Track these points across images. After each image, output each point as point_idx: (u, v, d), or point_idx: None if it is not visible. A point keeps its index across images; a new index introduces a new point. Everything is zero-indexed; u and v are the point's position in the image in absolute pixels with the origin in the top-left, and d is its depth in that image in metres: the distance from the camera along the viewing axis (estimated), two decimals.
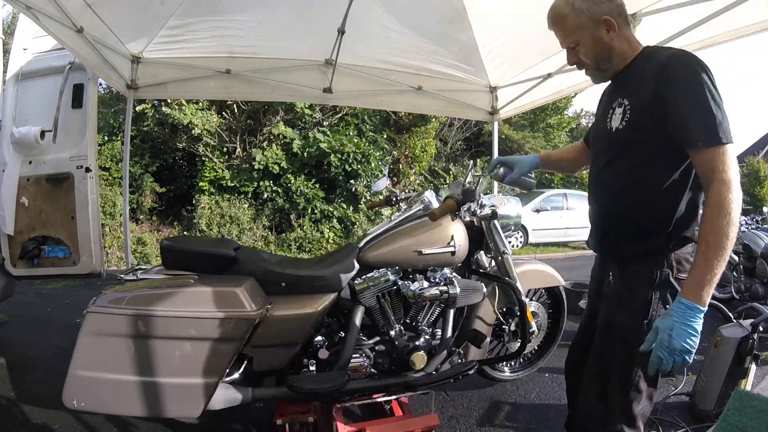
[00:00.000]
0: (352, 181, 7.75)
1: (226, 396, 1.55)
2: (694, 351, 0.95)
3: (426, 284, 1.78)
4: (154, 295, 1.46)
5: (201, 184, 7.59)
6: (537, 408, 2.28)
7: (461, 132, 11.72)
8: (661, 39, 2.08)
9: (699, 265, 0.96)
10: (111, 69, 2.71)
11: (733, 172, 0.96)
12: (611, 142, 1.17)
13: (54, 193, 2.68)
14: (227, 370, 1.51)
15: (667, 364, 0.98)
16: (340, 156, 7.56)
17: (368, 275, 1.79)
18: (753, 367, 2.08)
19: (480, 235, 2.04)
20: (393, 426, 1.73)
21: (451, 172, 10.33)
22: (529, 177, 1.64)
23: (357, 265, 1.79)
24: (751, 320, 2.14)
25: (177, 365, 1.43)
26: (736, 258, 4.35)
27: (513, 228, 2.19)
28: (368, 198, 7.68)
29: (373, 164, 7.91)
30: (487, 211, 1.94)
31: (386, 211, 6.73)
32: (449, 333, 1.88)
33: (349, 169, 7.61)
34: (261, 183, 7.67)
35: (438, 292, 1.76)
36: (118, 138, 7.35)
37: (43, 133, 2.59)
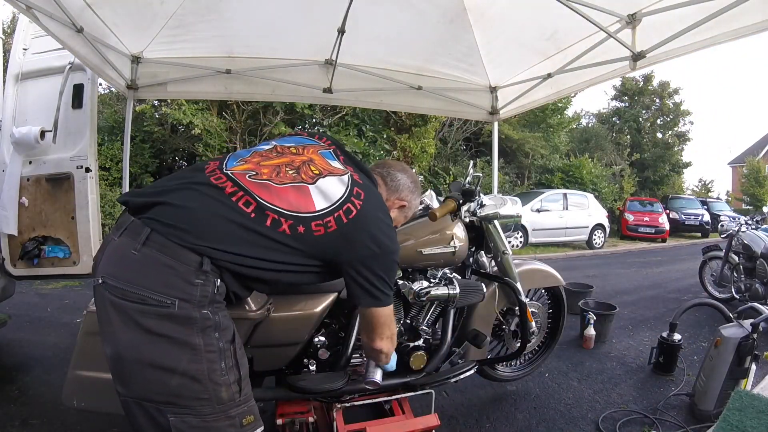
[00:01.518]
0: None
1: None
2: None
3: (426, 284, 1.78)
4: None
5: None
6: (537, 408, 2.28)
7: (461, 132, 11.72)
8: (661, 39, 2.08)
9: None
10: (111, 69, 2.71)
11: None
12: None
13: (54, 193, 2.67)
14: None
15: None
16: None
17: None
18: (753, 367, 2.08)
19: (480, 235, 2.04)
20: (393, 426, 1.73)
21: (451, 172, 10.33)
22: None
23: None
24: (751, 320, 2.14)
25: None
26: (736, 258, 4.36)
27: (513, 228, 2.19)
28: None
29: (372, 164, 7.90)
30: (487, 210, 1.94)
31: None
32: (449, 333, 1.88)
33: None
34: None
35: (438, 292, 1.76)
36: (118, 138, 7.35)
37: (43, 133, 2.59)
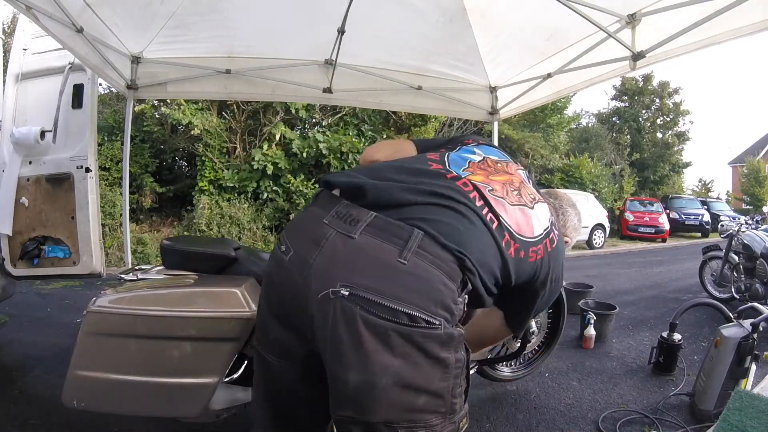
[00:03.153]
0: None
1: (226, 396, 1.55)
2: None
3: None
4: (154, 295, 1.46)
5: (201, 184, 7.58)
6: (537, 408, 2.28)
7: (461, 132, 11.72)
8: (661, 39, 2.08)
9: None
10: (111, 69, 2.71)
11: None
12: None
13: (54, 193, 2.68)
14: (227, 370, 1.51)
15: None
16: (339, 156, 7.56)
17: None
18: (753, 367, 2.07)
19: None
20: None
21: None
22: None
23: None
24: (751, 320, 2.14)
25: (177, 365, 1.43)
26: (736, 258, 4.36)
27: None
28: None
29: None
30: None
31: None
32: None
33: (349, 169, 7.61)
34: (261, 183, 7.67)
35: None
36: (118, 138, 7.35)
37: (43, 133, 2.59)
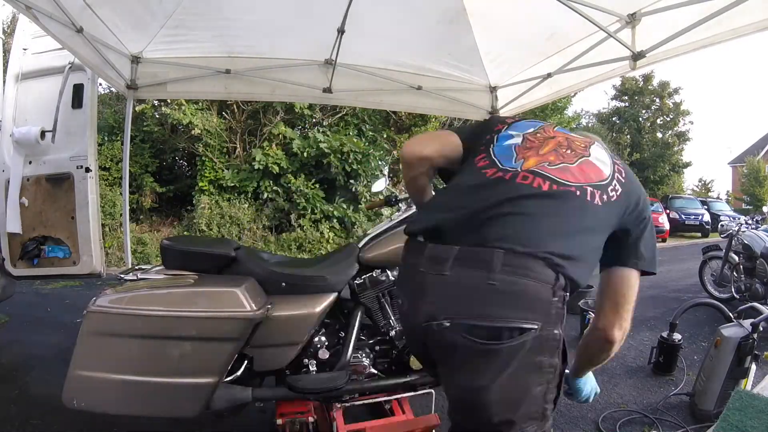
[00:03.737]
0: (352, 181, 7.74)
1: (226, 396, 1.55)
2: None
3: None
4: (154, 295, 1.46)
5: (201, 184, 7.58)
6: None
7: None
8: (661, 39, 2.08)
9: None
10: (111, 69, 2.71)
11: None
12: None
13: (54, 193, 2.68)
14: (227, 370, 1.51)
15: None
16: (339, 156, 7.56)
17: (368, 275, 1.80)
18: (753, 367, 2.07)
19: None
20: (393, 426, 1.73)
21: None
22: None
23: (357, 265, 1.79)
24: (751, 320, 2.14)
25: (177, 365, 1.43)
26: (736, 258, 4.36)
27: None
28: (368, 198, 7.67)
29: (372, 164, 7.89)
30: None
31: (386, 211, 6.73)
32: None
33: (349, 169, 7.60)
34: (261, 183, 7.66)
35: None
36: (118, 138, 7.35)
37: (43, 133, 2.59)
